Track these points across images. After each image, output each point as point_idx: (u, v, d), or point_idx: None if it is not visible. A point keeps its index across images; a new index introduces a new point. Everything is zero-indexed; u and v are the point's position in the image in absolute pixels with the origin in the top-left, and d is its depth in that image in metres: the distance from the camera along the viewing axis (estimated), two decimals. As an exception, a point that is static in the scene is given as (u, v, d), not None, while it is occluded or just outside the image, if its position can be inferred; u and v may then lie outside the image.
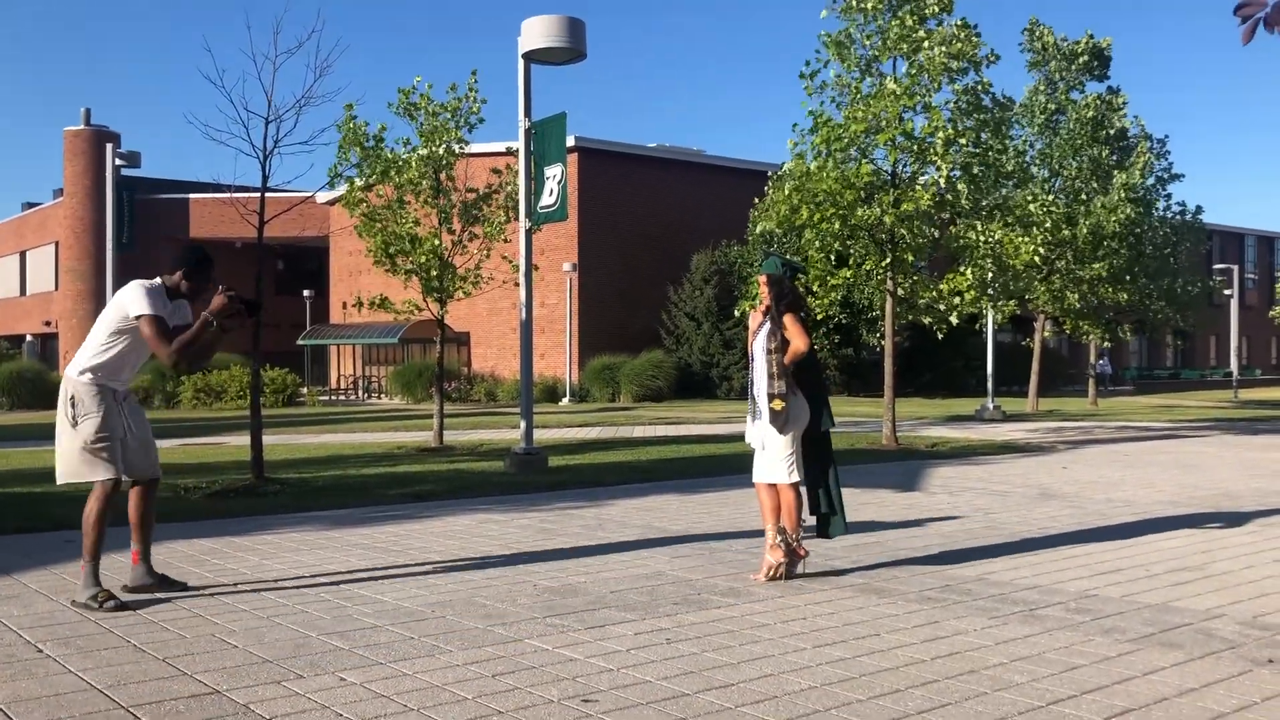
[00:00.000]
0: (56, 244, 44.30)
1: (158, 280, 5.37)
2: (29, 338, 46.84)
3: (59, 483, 5.36)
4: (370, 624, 4.89)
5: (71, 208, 42.08)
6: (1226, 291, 37.96)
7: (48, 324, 45.18)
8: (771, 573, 5.89)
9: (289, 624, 4.89)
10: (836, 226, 14.41)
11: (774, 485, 5.95)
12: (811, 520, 6.26)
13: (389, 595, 5.49)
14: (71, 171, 41.85)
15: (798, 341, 5.81)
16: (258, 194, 10.96)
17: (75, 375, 5.26)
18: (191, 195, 44.60)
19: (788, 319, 5.87)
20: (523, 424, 12.18)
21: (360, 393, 39.94)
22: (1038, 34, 27.75)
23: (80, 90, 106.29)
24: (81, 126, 41.17)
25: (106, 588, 5.25)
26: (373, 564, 6.37)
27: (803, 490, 6.00)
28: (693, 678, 4.08)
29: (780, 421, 5.82)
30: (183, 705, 3.73)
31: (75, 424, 5.20)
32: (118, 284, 16.10)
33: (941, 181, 14.40)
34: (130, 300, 5.18)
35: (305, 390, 33.21)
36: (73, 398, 5.22)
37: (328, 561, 6.46)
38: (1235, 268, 39.19)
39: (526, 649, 4.48)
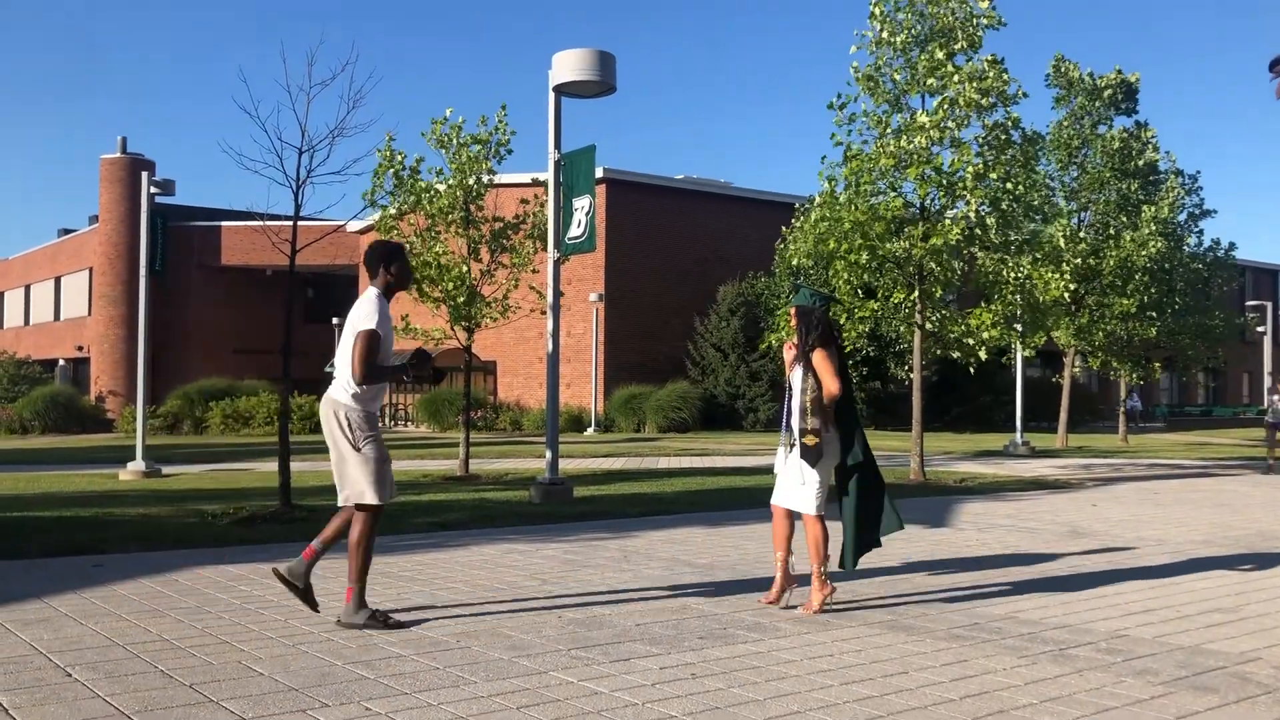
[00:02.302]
0: (91, 270, 44.86)
1: (373, 289, 5.54)
2: (61, 362, 47.37)
3: (340, 504, 5.49)
4: (396, 653, 4.89)
5: (106, 234, 42.65)
6: (1260, 329, 37.57)
7: (80, 349, 45.68)
8: (778, 597, 5.92)
9: (315, 652, 4.90)
10: (864, 258, 14.40)
11: (791, 512, 5.96)
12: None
13: (414, 625, 5.49)
14: (107, 199, 42.45)
15: (829, 384, 5.80)
16: (290, 223, 11.06)
17: (345, 399, 5.43)
18: (224, 223, 45.11)
19: (817, 357, 5.85)
20: (548, 454, 12.18)
21: (387, 420, 40.11)
22: (1063, 69, 27.73)
23: (117, 119, 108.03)
24: (118, 154, 41.78)
25: (374, 608, 5.45)
26: (398, 593, 6.37)
27: (828, 524, 5.97)
28: (718, 714, 4.05)
29: (813, 457, 5.81)
30: (209, 733, 3.73)
31: (358, 449, 5.39)
32: (150, 309, 16.28)
33: (971, 215, 14.38)
34: (360, 316, 5.39)
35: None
36: (348, 422, 5.40)
37: (353, 590, 6.45)
38: (1269, 304, 38.78)
39: (551, 681, 4.47)
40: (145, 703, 4.08)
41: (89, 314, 45.19)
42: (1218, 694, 4.39)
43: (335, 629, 5.37)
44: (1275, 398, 19.11)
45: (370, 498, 5.39)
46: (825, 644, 5.21)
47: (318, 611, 5.62)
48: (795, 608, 5.95)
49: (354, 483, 5.41)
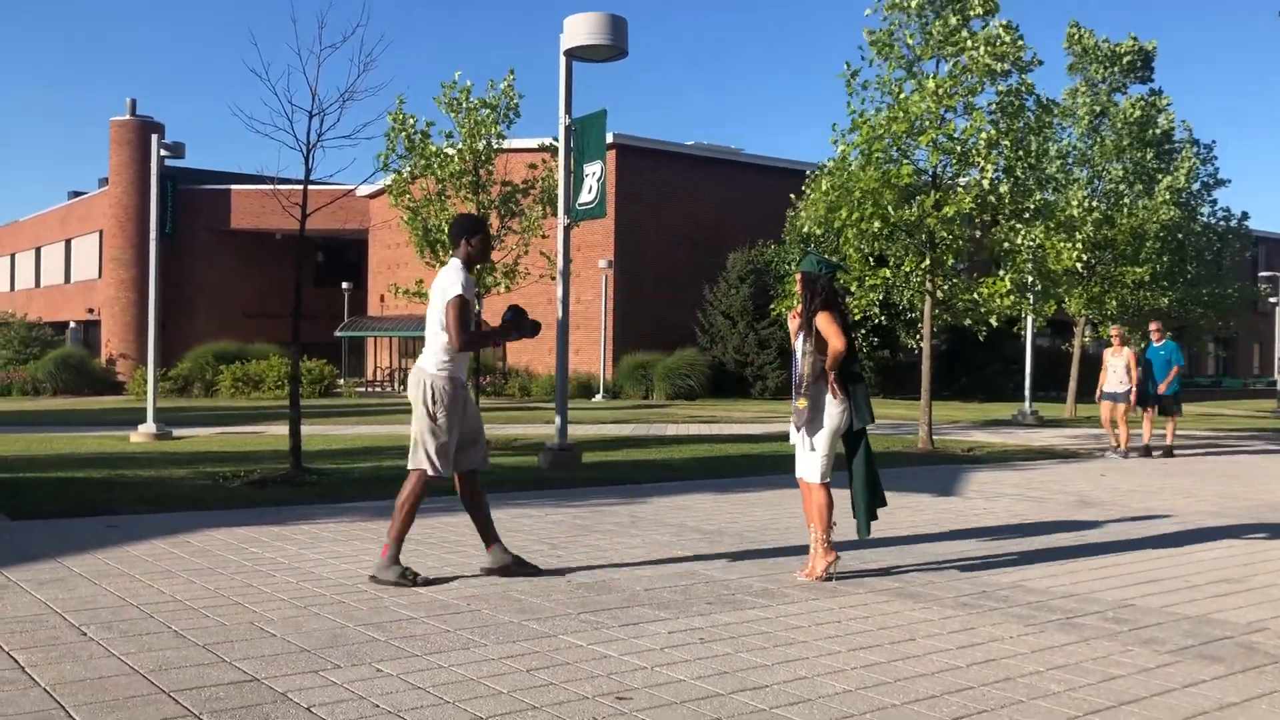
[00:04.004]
0: (101, 232, 44.90)
1: (456, 260, 5.63)
2: (72, 324, 47.53)
3: (410, 467, 5.64)
4: (406, 616, 4.93)
5: (116, 197, 42.64)
6: (1271, 299, 37.38)
7: (90, 311, 45.82)
8: (823, 573, 5.89)
9: (326, 614, 4.94)
10: (876, 226, 14.33)
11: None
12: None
13: (424, 587, 5.53)
14: (116, 161, 42.41)
15: (835, 342, 5.78)
16: (299, 186, 11.04)
17: (433, 370, 5.54)
18: (233, 186, 45.07)
19: (821, 319, 5.83)
20: (557, 420, 12.21)
21: (396, 385, 40.20)
22: (1078, 37, 27.43)
23: (126, 80, 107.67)
24: (127, 116, 41.67)
25: (407, 567, 5.57)
26: (409, 556, 6.41)
27: (833, 493, 5.97)
28: (726, 678, 4.08)
29: (802, 420, 5.82)
30: (222, 692, 3.78)
31: (434, 418, 5.51)
32: (161, 272, 16.30)
33: (985, 183, 14.29)
34: (448, 283, 5.48)
35: (342, 381, 33.49)
36: (431, 391, 5.52)
37: (364, 552, 6.51)
38: (1281, 275, 38.57)
39: (561, 644, 4.50)
40: (159, 662, 4.13)
41: (99, 276, 45.28)
42: (1224, 663, 4.41)
43: (347, 591, 5.41)
44: None
45: (425, 465, 5.54)
46: (833, 610, 5.24)
47: (540, 571, 5.86)
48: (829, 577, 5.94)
49: (419, 447, 5.56)
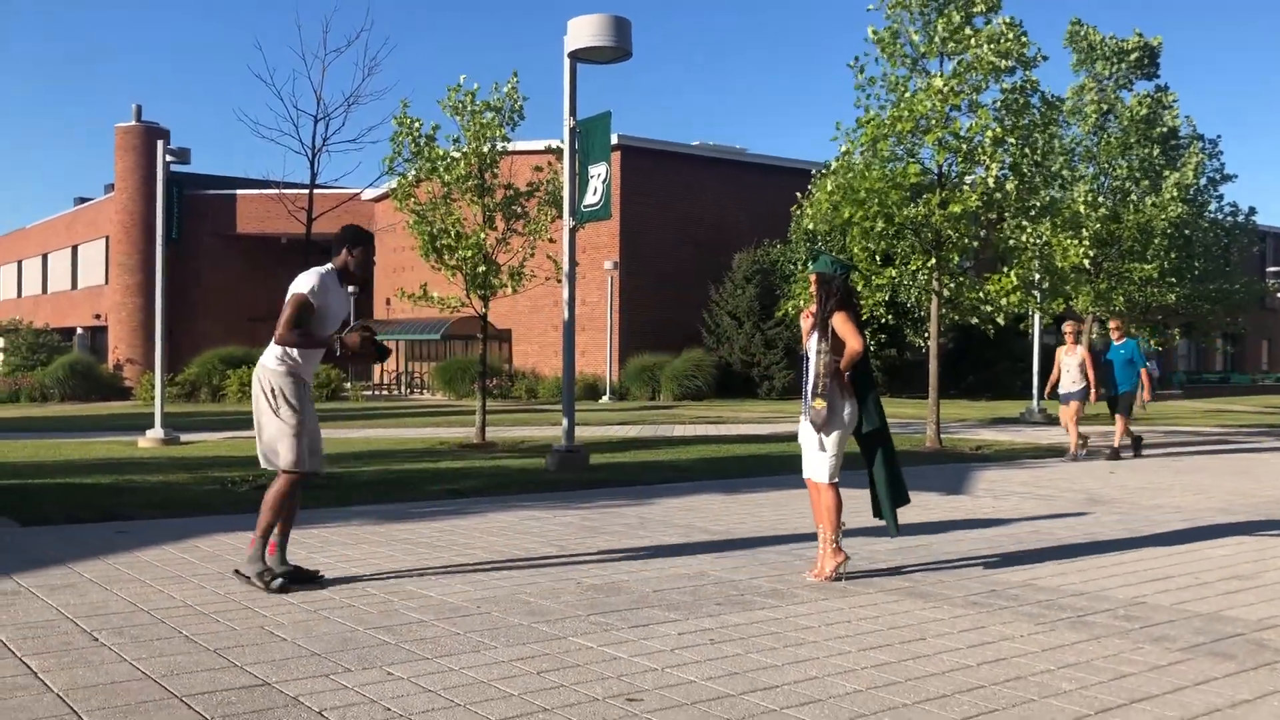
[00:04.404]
0: (107, 238, 45.01)
1: (329, 265, 5.53)
2: (79, 330, 47.67)
3: (262, 466, 5.53)
4: (416, 619, 4.94)
5: (122, 203, 42.75)
6: (1279, 294, 37.27)
7: (97, 317, 45.94)
8: (832, 574, 5.87)
9: (337, 618, 4.95)
10: (881, 225, 14.33)
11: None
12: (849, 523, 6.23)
13: (434, 591, 5.54)
14: (122, 167, 42.52)
15: (853, 342, 5.77)
16: (305, 190, 11.06)
17: (272, 365, 5.44)
18: (239, 191, 45.18)
19: (838, 319, 5.83)
20: (564, 421, 12.22)
21: (403, 388, 40.24)
22: (1083, 34, 27.40)
23: (131, 86, 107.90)
24: (133, 122, 41.80)
25: (270, 566, 5.46)
26: (418, 559, 6.42)
27: (842, 492, 5.96)
28: (737, 679, 4.08)
29: (819, 420, 5.80)
30: (234, 696, 3.79)
31: (276, 413, 5.40)
32: (167, 279, 16.33)
33: (990, 181, 14.27)
34: (298, 282, 5.38)
35: (349, 385, 33.52)
36: (272, 389, 5.41)
37: (373, 556, 6.52)
38: (1288, 270, 38.48)
39: (571, 646, 4.50)
40: (171, 667, 4.13)
41: (106, 282, 45.41)
42: (1235, 660, 4.40)
43: (357, 595, 5.42)
44: None
45: (284, 461, 5.38)
46: (842, 610, 5.23)
47: (321, 582, 5.67)
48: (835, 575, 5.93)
49: (269, 444, 5.42)
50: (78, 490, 9.56)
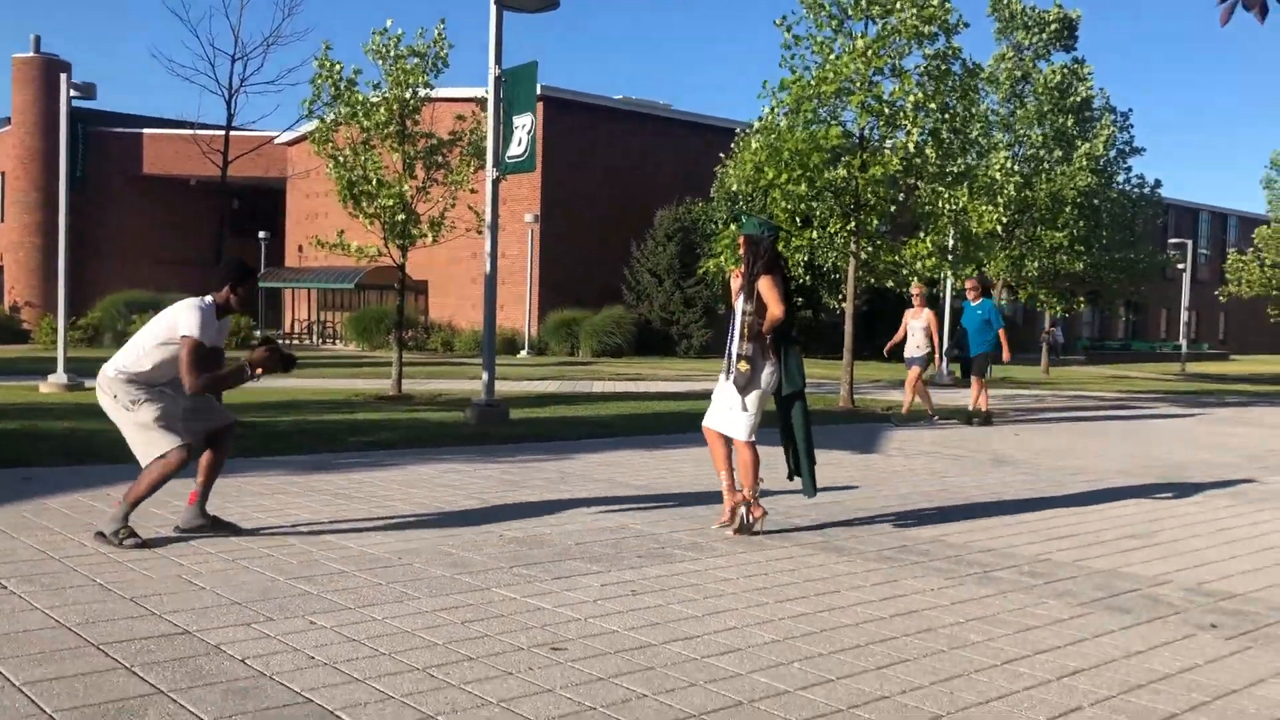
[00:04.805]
0: (3, 174, 43.19)
1: (209, 299, 5.31)
2: (-26, 270, 45.78)
3: (144, 464, 5.26)
4: (337, 569, 4.92)
5: (19, 137, 40.97)
6: (1180, 265, 38.59)
7: (-6, 257, 44.16)
8: (732, 516, 5.98)
9: (256, 568, 4.90)
10: (803, 188, 14.46)
11: (724, 435, 6.01)
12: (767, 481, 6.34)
13: (354, 542, 5.51)
14: (20, 100, 40.67)
15: (774, 308, 5.83)
16: (220, 131, 10.75)
17: (112, 375, 5.27)
18: (145, 130, 43.63)
19: (763, 283, 5.87)
20: (484, 375, 12.17)
21: (315, 338, 39.59)
22: (1005, 2, 27.84)
23: (29, 18, 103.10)
24: (31, 54, 40.00)
25: (130, 526, 5.27)
26: (337, 511, 6.38)
27: (759, 450, 6.05)
28: (658, 629, 4.16)
29: (742, 382, 5.87)
30: (154, 644, 3.74)
31: (131, 409, 5.22)
32: (70, 219, 15.77)
33: (910, 146, 14.48)
34: (182, 320, 5.16)
35: (259, 333, 32.85)
36: (115, 391, 5.25)
37: (290, 506, 6.46)
38: (1189, 242, 39.82)
39: (494, 597, 4.54)
40: (87, 615, 4.06)
41: (2, 220, 43.62)
42: (1132, 614, 4.61)
43: (276, 545, 5.37)
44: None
45: (160, 448, 5.19)
46: (760, 563, 5.35)
47: (241, 531, 5.63)
48: (752, 529, 6.03)
49: (141, 446, 5.25)
50: (-22, 435, 9.26)
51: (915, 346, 13.59)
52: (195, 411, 5.43)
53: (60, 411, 11.60)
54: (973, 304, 13.66)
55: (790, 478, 6.31)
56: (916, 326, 13.60)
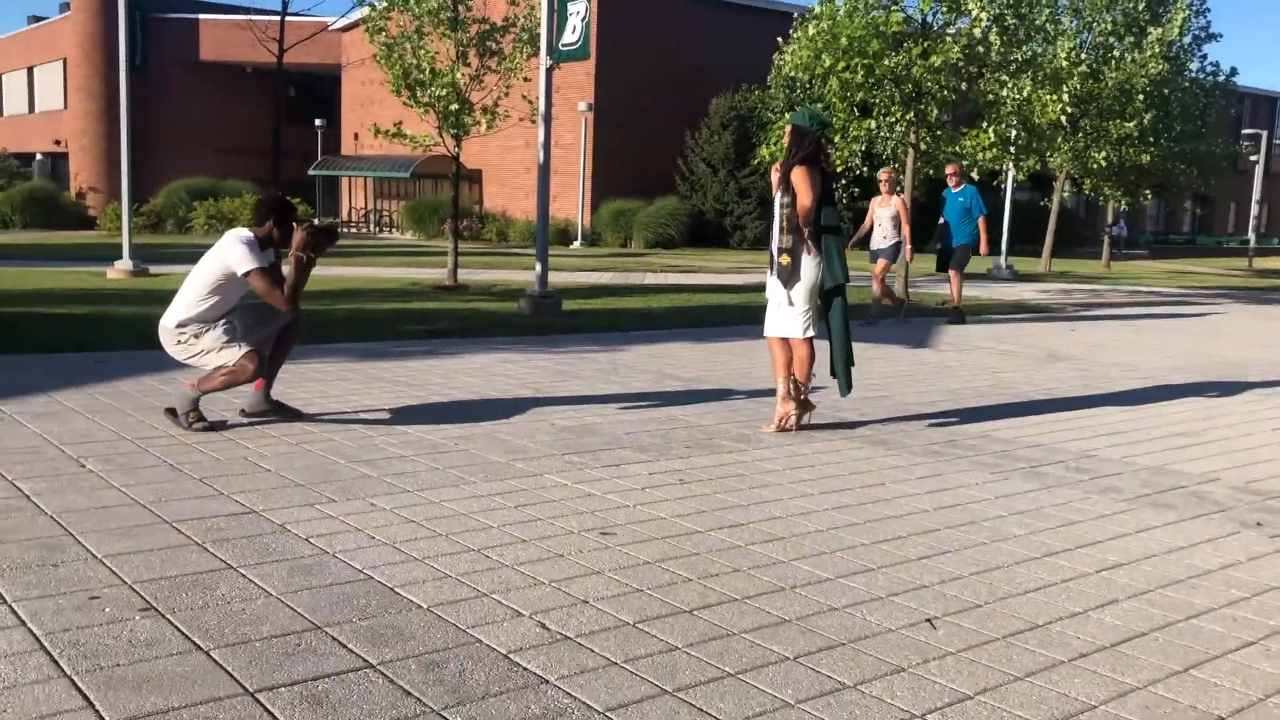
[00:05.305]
0: (65, 61, 43.43)
1: (249, 233, 5.46)
2: (39, 156, 46.43)
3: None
4: (397, 454, 5.09)
5: (80, 23, 41.08)
6: (1253, 157, 37.31)
7: (58, 143, 44.70)
8: (782, 422, 6.04)
9: (318, 451, 5.09)
10: (861, 76, 14.13)
11: (786, 340, 6.02)
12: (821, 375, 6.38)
13: (413, 428, 5.69)
14: (78, -15, 40.73)
15: (803, 197, 5.75)
16: (271, 18, 10.72)
17: (172, 326, 5.45)
18: (201, 16, 43.47)
19: (796, 173, 5.79)
20: (538, 266, 12.25)
21: (372, 226, 39.85)
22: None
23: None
24: (87, -63, 39.81)
25: (200, 410, 5.47)
26: (396, 397, 6.56)
27: (815, 345, 6.06)
28: (704, 516, 4.28)
29: (785, 275, 5.86)
30: (223, 523, 3.94)
31: (198, 340, 5.42)
32: (131, 107, 15.90)
33: (976, 33, 14.04)
34: (235, 258, 5.33)
35: (317, 221, 33.19)
36: (179, 340, 5.45)
37: (350, 393, 6.65)
38: (1264, 133, 38.40)
39: (547, 483, 4.68)
40: (159, 494, 4.27)
41: (65, 107, 44.03)
42: (1176, 510, 4.65)
43: (337, 430, 5.56)
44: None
45: (232, 358, 5.35)
46: (807, 455, 5.44)
47: (304, 416, 5.82)
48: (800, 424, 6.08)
49: (216, 363, 5.41)
50: (53, 320, 9.57)
51: (882, 237, 12.27)
52: (258, 323, 5.61)
53: (128, 297, 11.91)
54: (954, 191, 12.74)
55: (832, 373, 6.33)
56: (884, 215, 12.24)
